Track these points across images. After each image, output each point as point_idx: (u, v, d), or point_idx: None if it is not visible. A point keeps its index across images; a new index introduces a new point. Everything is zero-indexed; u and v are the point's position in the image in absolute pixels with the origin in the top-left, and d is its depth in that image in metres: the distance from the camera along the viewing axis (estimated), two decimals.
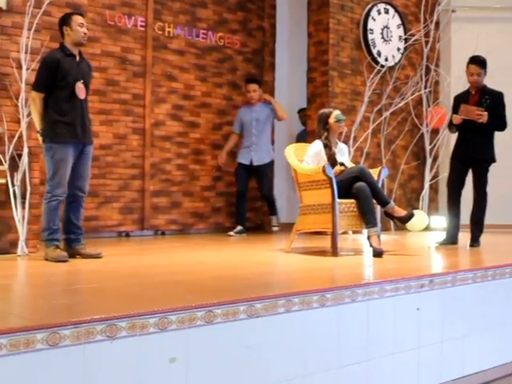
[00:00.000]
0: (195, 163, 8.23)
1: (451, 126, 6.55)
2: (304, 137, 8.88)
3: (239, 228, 7.94)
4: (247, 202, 8.27)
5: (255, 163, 8.11)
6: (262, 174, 8.19)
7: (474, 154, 6.30)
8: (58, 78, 4.95)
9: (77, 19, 5.09)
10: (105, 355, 2.58)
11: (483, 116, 6.14)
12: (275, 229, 8.40)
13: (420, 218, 8.83)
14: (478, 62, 6.35)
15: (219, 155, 8.28)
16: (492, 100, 6.30)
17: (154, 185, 7.83)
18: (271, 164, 8.37)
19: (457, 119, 6.28)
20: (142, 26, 7.73)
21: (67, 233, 5.10)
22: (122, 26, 7.57)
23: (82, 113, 5.10)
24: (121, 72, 7.55)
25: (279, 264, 5.29)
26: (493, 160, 6.39)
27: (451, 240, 6.42)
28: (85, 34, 5.12)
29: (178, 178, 8.08)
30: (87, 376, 2.53)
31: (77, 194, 5.07)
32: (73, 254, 5.00)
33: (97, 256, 5.07)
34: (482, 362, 4.41)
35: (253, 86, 8.21)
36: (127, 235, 7.71)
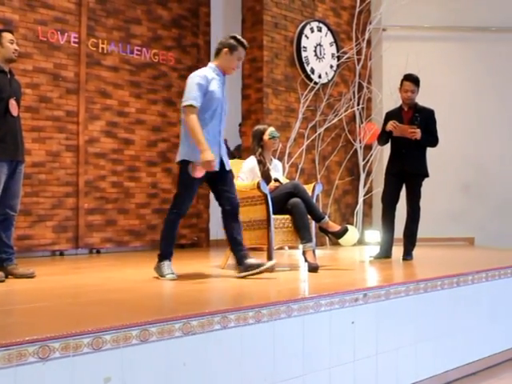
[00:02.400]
0: (130, 180, 8.16)
1: (381, 139, 6.69)
2: (239, 151, 8.93)
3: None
4: None
5: (228, 167, 5.12)
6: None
7: (408, 169, 6.43)
8: None
9: (6, 36, 5.01)
10: (37, 378, 2.53)
11: (417, 133, 6.29)
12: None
13: (351, 233, 8.96)
14: (412, 79, 6.50)
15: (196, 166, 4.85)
16: (424, 117, 6.45)
17: (88, 202, 7.73)
18: None
19: (389, 127, 6.38)
20: (75, 43, 7.66)
21: None
22: (55, 42, 7.49)
23: (15, 130, 5.01)
24: (54, 89, 7.46)
25: (215, 281, 5.28)
26: (426, 175, 6.53)
27: (385, 254, 6.53)
28: (15, 50, 5.06)
29: (113, 196, 8.00)
30: None
31: (8, 212, 4.97)
32: (5, 274, 4.88)
33: (30, 276, 4.97)
34: (417, 373, 4.49)
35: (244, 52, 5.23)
36: (61, 254, 7.59)
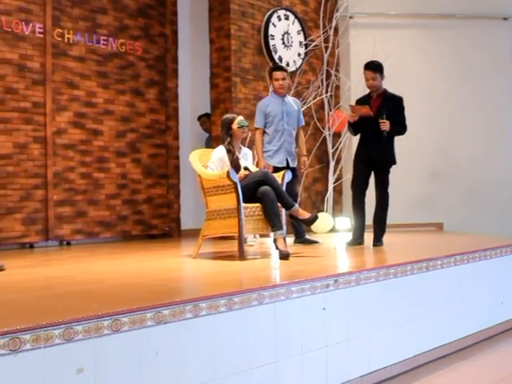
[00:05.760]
0: (99, 171, 8.12)
1: (350, 129, 6.74)
2: (209, 142, 8.92)
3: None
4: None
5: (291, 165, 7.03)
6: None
7: (375, 157, 6.46)
8: None
9: None
10: (9, 370, 2.52)
11: (386, 124, 6.32)
12: None
13: (325, 220, 9.04)
14: (371, 67, 6.52)
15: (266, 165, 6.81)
16: (392, 105, 6.48)
17: (57, 194, 7.68)
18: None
19: (351, 117, 6.46)
20: (40, 33, 7.57)
21: None
22: (20, 33, 7.40)
23: None
24: (19, 80, 7.37)
25: (186, 270, 5.29)
26: (393, 162, 6.57)
27: (358, 240, 6.56)
28: None
29: (82, 187, 7.95)
30: None
31: None
32: None
33: None
34: (387, 357, 4.53)
35: (281, 74, 7.06)
36: (31, 246, 7.53)
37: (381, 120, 6.33)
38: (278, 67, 7.39)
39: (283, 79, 7.03)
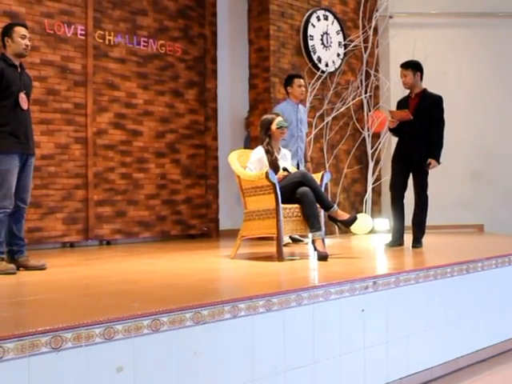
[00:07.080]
0: (139, 172, 8.18)
1: (391, 131, 6.70)
2: (248, 142, 8.94)
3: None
4: None
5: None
6: None
7: (411, 157, 6.42)
8: (1, 88, 4.88)
9: (19, 30, 5.01)
10: (50, 367, 2.56)
11: (434, 165, 6.34)
12: None
13: (365, 221, 9.00)
14: (403, 64, 6.56)
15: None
16: (429, 104, 6.42)
17: (97, 194, 7.76)
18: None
19: (391, 123, 6.45)
20: (81, 35, 7.67)
21: (9, 245, 5.00)
22: (62, 35, 7.49)
23: (26, 123, 5.03)
24: (61, 81, 7.47)
25: (225, 270, 5.30)
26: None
27: (397, 242, 6.51)
28: (26, 45, 5.04)
29: (122, 187, 8.02)
30: None
31: (19, 205, 4.99)
32: (16, 266, 4.91)
33: (41, 267, 5.00)
34: (427, 360, 4.50)
35: (303, 81, 7.52)
36: (72, 246, 7.62)
37: (427, 167, 6.33)
38: (299, 75, 7.65)
39: (304, 86, 7.54)
